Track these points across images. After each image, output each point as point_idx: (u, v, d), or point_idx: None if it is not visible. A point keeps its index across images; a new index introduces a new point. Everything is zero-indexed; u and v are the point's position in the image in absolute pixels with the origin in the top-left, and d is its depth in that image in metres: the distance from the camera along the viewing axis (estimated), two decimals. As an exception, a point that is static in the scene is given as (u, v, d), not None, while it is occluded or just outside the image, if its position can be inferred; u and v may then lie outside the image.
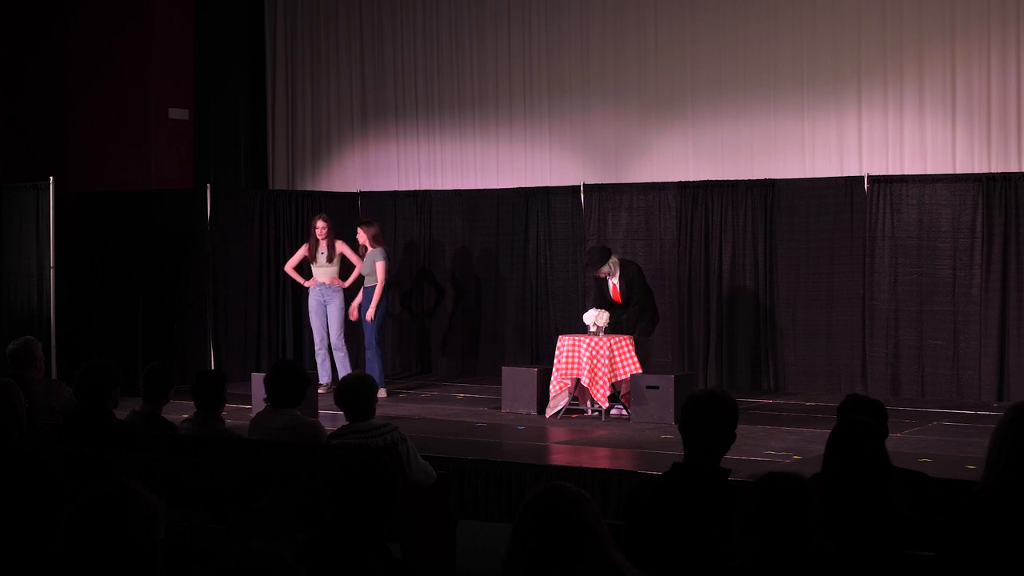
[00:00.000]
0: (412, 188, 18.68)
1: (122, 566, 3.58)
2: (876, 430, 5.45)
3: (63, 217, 16.51)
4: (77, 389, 8.46)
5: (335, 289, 15.49)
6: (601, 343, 13.47)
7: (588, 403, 13.72)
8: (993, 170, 15.01)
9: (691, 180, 16.44)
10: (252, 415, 9.42)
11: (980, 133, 15.23)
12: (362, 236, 15.40)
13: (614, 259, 14.17)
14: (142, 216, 17.12)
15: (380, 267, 15.21)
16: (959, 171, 15.20)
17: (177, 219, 17.03)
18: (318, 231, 15.53)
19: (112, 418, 8.31)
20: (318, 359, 15.63)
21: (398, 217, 18.51)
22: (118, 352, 15.66)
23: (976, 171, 15.08)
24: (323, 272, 15.51)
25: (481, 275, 17.47)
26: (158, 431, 8.40)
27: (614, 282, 14.14)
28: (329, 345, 15.49)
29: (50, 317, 15.85)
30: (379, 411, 8.17)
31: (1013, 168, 14.94)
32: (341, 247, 15.59)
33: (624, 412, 13.54)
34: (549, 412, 13.61)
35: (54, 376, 14.24)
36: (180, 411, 9.51)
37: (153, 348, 15.79)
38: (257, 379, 13.27)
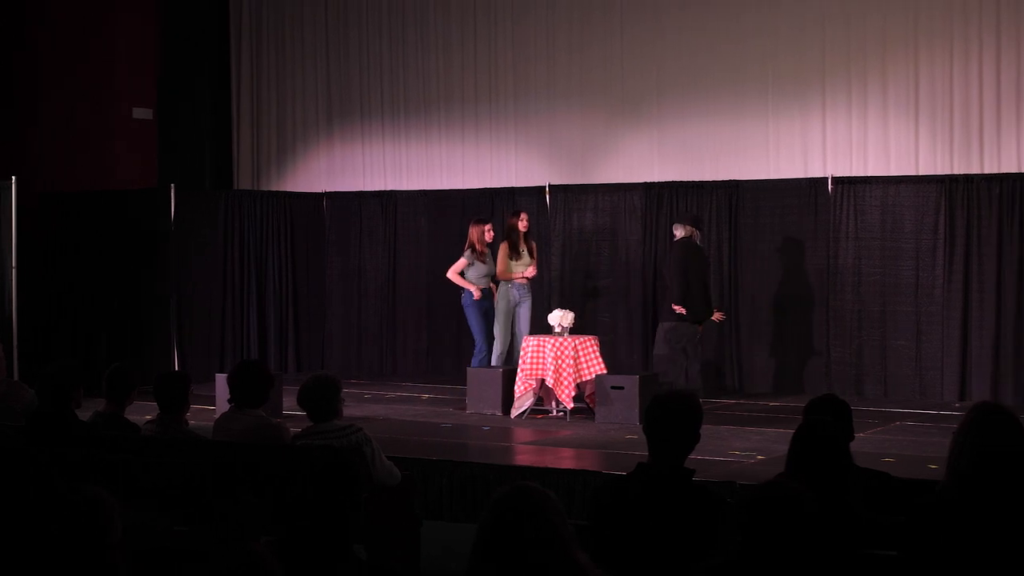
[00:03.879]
0: (377, 188, 18.66)
1: (79, 566, 3.58)
2: (836, 430, 5.48)
3: (26, 217, 16.42)
4: (40, 390, 8.42)
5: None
6: (566, 344, 13.48)
7: (553, 404, 13.73)
8: (955, 171, 15.09)
9: (656, 181, 16.48)
10: (216, 416, 9.38)
11: (943, 135, 15.31)
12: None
13: (680, 228, 14.08)
14: (106, 216, 17.05)
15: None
16: (922, 172, 15.28)
17: (141, 219, 16.96)
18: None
19: (75, 419, 8.27)
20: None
21: (363, 218, 18.49)
22: (81, 353, 15.59)
23: (939, 172, 15.17)
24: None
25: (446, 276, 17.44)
26: (121, 432, 8.37)
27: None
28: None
29: (12, 318, 15.75)
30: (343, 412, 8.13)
31: (975, 170, 15.03)
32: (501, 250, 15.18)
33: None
34: (514, 412, 13.62)
35: (16, 378, 14.16)
36: (144, 412, 9.46)
37: (117, 349, 15.73)
38: (221, 380, 13.20)
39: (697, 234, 14.15)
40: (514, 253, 14.92)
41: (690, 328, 14.02)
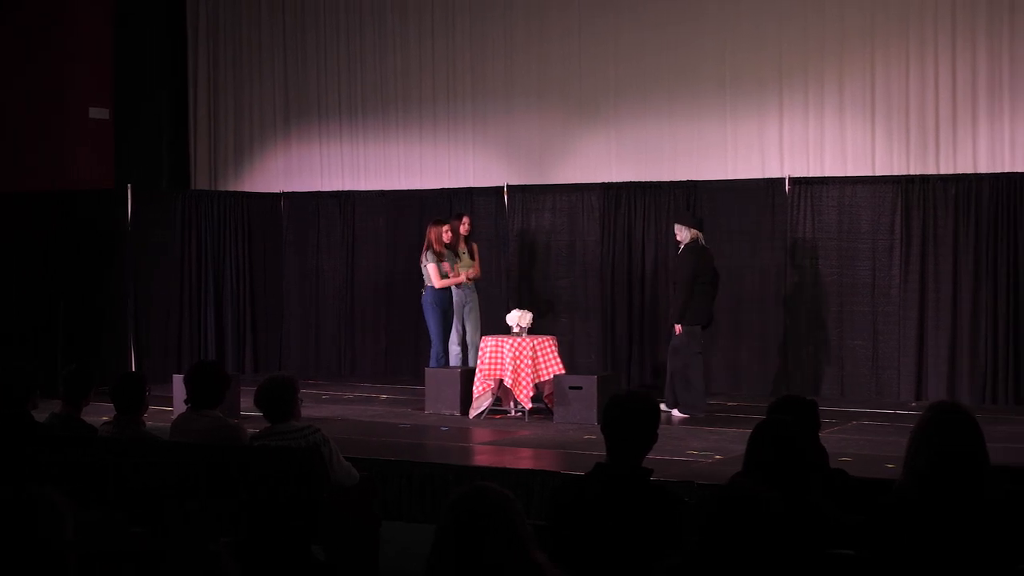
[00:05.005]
0: (335, 189, 18.63)
1: (29, 567, 3.58)
2: (794, 429, 5.49)
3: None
4: (-6, 391, 8.36)
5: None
6: (524, 344, 13.49)
7: (511, 404, 13.74)
8: (912, 172, 15.17)
9: (614, 181, 16.51)
10: (174, 417, 9.34)
11: (899, 136, 15.39)
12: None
13: (684, 230, 13.73)
14: (63, 217, 16.93)
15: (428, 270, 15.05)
16: (879, 173, 15.36)
17: (98, 219, 16.88)
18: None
19: (31, 420, 8.23)
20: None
21: (321, 218, 18.45)
22: (38, 354, 15.50)
23: (895, 173, 15.25)
24: None
25: (404, 276, 17.42)
26: (77, 434, 8.32)
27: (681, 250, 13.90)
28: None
29: (-33, 319, 15.67)
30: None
31: (931, 170, 15.12)
32: None
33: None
34: (472, 413, 13.61)
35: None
36: (101, 413, 9.41)
37: (73, 350, 15.64)
38: (179, 381, 13.16)
39: (700, 235, 13.86)
40: (454, 255, 15.10)
41: (701, 331, 13.84)
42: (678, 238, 13.87)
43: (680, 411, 13.60)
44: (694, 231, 13.77)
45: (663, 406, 13.73)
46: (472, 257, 15.41)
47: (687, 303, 13.63)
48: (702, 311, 13.76)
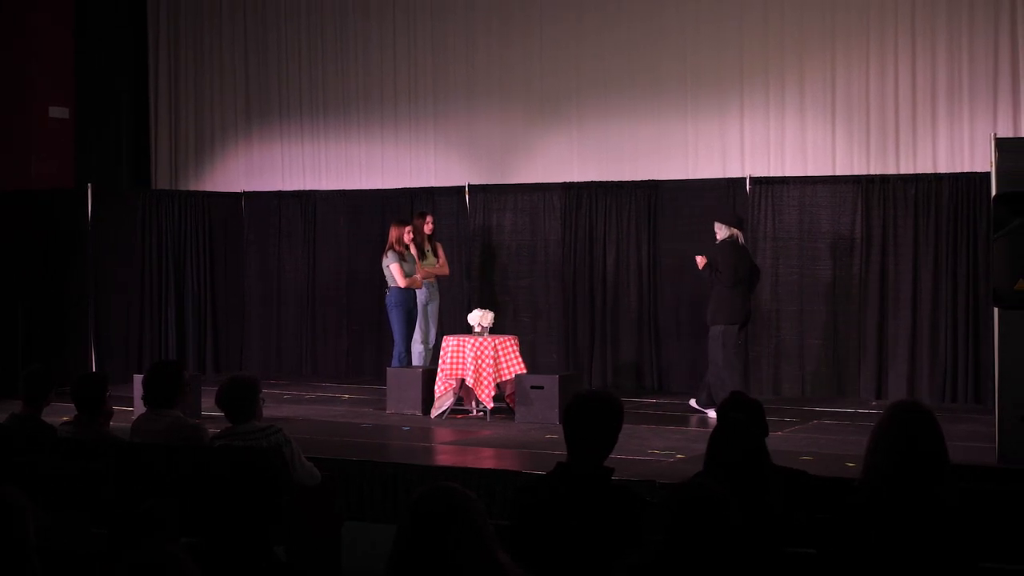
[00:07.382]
0: (296, 188, 18.58)
1: None
2: (753, 429, 5.51)
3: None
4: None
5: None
6: (486, 343, 13.49)
7: (473, 403, 13.74)
8: (872, 172, 15.24)
9: (576, 181, 16.52)
10: (134, 417, 9.30)
11: (859, 136, 15.45)
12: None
13: (723, 228, 13.69)
14: (22, 216, 16.85)
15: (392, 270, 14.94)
16: (839, 173, 15.41)
17: (58, 219, 16.79)
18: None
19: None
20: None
21: (282, 217, 18.40)
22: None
23: (855, 173, 15.31)
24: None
25: (366, 276, 17.40)
26: (37, 434, 8.28)
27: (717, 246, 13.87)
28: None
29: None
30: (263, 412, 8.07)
31: (891, 170, 15.18)
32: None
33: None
34: (434, 413, 13.60)
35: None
36: (63, 414, 9.37)
37: (34, 350, 15.56)
38: (139, 381, 13.10)
39: (740, 234, 13.83)
40: (419, 254, 15.09)
41: (738, 331, 13.75)
42: (717, 236, 13.85)
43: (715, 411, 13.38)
44: (733, 230, 13.77)
45: (693, 403, 13.79)
46: (436, 255, 15.44)
47: (734, 281, 13.59)
48: (738, 309, 13.73)
